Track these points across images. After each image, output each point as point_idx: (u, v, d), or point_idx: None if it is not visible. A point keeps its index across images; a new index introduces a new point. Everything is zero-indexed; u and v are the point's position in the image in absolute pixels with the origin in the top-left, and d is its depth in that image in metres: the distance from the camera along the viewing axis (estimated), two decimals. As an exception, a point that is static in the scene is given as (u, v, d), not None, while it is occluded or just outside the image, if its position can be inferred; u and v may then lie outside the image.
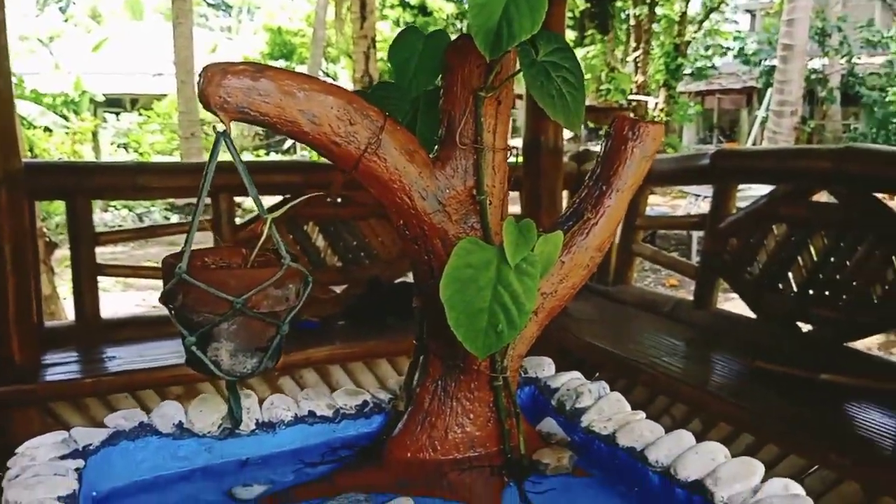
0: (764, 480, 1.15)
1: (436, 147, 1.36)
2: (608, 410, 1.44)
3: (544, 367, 1.66)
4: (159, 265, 1.23)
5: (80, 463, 1.23)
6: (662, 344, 2.88)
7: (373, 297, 3.34)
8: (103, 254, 3.01)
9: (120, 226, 10.29)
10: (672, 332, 3.02)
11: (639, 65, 18.93)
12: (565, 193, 3.64)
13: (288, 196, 3.22)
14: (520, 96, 2.32)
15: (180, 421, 1.39)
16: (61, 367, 2.66)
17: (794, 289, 2.83)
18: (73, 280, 2.92)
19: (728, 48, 20.92)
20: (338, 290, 3.41)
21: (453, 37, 1.37)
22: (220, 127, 1.14)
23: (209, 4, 29.94)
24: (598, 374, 2.85)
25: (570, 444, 1.43)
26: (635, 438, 1.33)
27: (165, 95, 18.51)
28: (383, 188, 1.27)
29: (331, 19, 18.82)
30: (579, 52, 17.93)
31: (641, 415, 1.41)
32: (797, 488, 1.13)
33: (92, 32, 21.62)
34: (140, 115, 19.19)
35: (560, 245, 1.32)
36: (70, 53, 18.87)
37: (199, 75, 1.14)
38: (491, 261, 1.25)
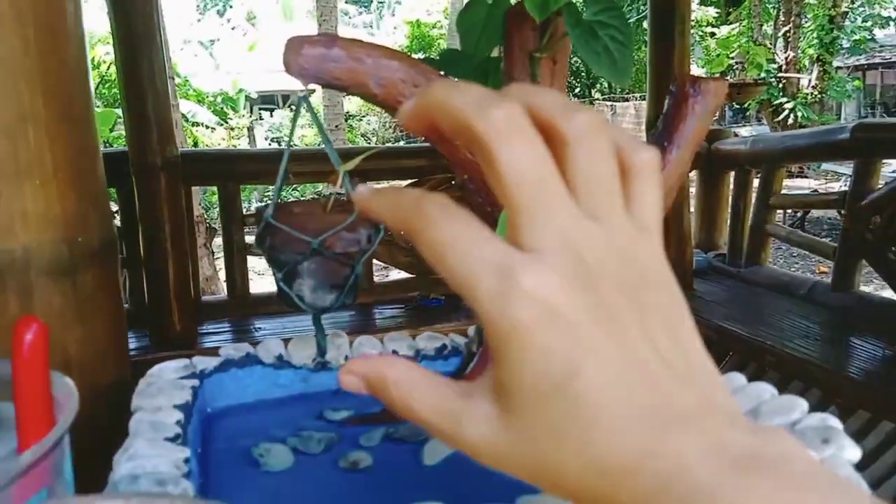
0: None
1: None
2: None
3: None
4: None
5: (196, 383, 1.45)
6: (796, 326, 2.70)
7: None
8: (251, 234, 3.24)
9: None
10: (808, 314, 2.84)
11: (789, 39, 17.63)
12: (694, 174, 3.45)
13: (416, 179, 3.29)
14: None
15: (280, 354, 1.59)
16: (214, 335, 2.94)
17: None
18: (225, 259, 3.13)
19: (890, 18, 19.11)
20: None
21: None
22: (301, 90, 1.33)
23: (352, 1, 30.96)
24: (728, 357, 2.77)
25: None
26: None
27: (313, 91, 19.42)
28: (448, 145, 1.41)
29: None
30: (723, 30, 16.92)
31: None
32: (835, 421, 1.17)
33: (247, 34, 22.92)
34: (290, 110, 20.28)
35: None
36: (228, 54, 20.14)
37: (285, 46, 1.32)
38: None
